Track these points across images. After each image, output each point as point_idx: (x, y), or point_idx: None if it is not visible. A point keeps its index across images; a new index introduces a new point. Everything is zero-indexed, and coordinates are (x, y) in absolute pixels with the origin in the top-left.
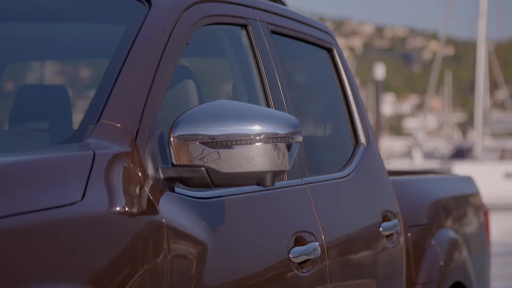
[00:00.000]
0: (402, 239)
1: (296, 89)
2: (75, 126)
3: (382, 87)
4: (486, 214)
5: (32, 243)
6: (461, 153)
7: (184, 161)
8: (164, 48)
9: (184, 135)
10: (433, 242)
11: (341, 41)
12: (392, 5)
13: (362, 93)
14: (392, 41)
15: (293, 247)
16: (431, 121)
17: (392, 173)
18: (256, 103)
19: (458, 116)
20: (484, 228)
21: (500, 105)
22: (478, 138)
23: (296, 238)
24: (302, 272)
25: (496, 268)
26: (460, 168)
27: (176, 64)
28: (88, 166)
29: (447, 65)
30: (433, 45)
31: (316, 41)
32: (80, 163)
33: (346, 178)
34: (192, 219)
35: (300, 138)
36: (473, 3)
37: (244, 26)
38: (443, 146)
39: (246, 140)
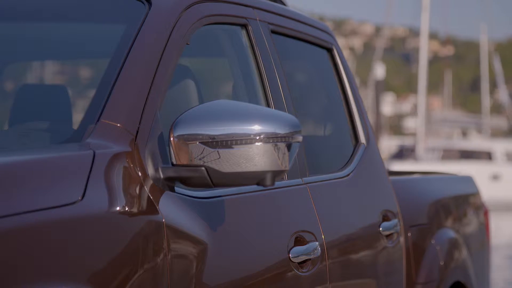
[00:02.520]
0: (402, 239)
1: (296, 89)
2: (75, 126)
3: (382, 87)
4: (486, 214)
5: (32, 243)
6: (401, 153)
7: (184, 160)
8: (164, 48)
9: (184, 135)
10: (433, 242)
11: (341, 41)
12: (392, 5)
13: (362, 93)
14: (392, 41)
15: (293, 247)
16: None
17: (392, 173)
18: (256, 103)
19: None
20: (484, 228)
21: (500, 105)
22: (420, 138)
23: (296, 238)
24: (302, 272)
25: None
26: (400, 169)
27: (176, 64)
28: (88, 166)
29: (447, 65)
30: (433, 45)
31: (316, 41)
32: (80, 163)
33: (346, 178)
34: (192, 219)
35: (300, 138)
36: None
37: (244, 26)
38: (384, 145)
39: (246, 140)
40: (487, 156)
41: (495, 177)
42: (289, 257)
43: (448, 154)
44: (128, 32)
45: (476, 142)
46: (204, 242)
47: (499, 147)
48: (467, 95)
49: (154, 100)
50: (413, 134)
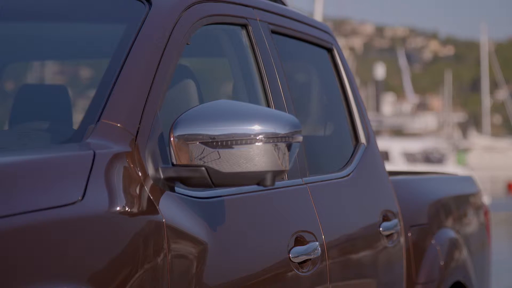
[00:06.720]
0: (402, 239)
1: (296, 89)
2: (75, 126)
3: (382, 87)
4: (486, 214)
5: (32, 243)
6: None
7: (184, 160)
8: (164, 48)
9: (184, 134)
10: (433, 242)
11: (341, 41)
12: (392, 5)
13: (362, 93)
14: (392, 41)
15: (293, 247)
16: (431, 121)
17: (392, 173)
18: (256, 103)
19: (458, 116)
20: (485, 228)
21: (500, 105)
22: None
23: (296, 238)
24: (302, 272)
25: None
26: None
27: (176, 64)
28: (88, 166)
29: (447, 65)
30: (434, 45)
31: (316, 41)
32: (80, 163)
33: (346, 178)
34: (192, 219)
35: (300, 138)
36: None
37: (244, 26)
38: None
39: (246, 140)
40: (385, 156)
41: None
42: (289, 257)
43: None
44: (128, 32)
45: None
46: (204, 242)
47: (396, 147)
48: (467, 95)
49: (154, 100)
50: (416, 135)
